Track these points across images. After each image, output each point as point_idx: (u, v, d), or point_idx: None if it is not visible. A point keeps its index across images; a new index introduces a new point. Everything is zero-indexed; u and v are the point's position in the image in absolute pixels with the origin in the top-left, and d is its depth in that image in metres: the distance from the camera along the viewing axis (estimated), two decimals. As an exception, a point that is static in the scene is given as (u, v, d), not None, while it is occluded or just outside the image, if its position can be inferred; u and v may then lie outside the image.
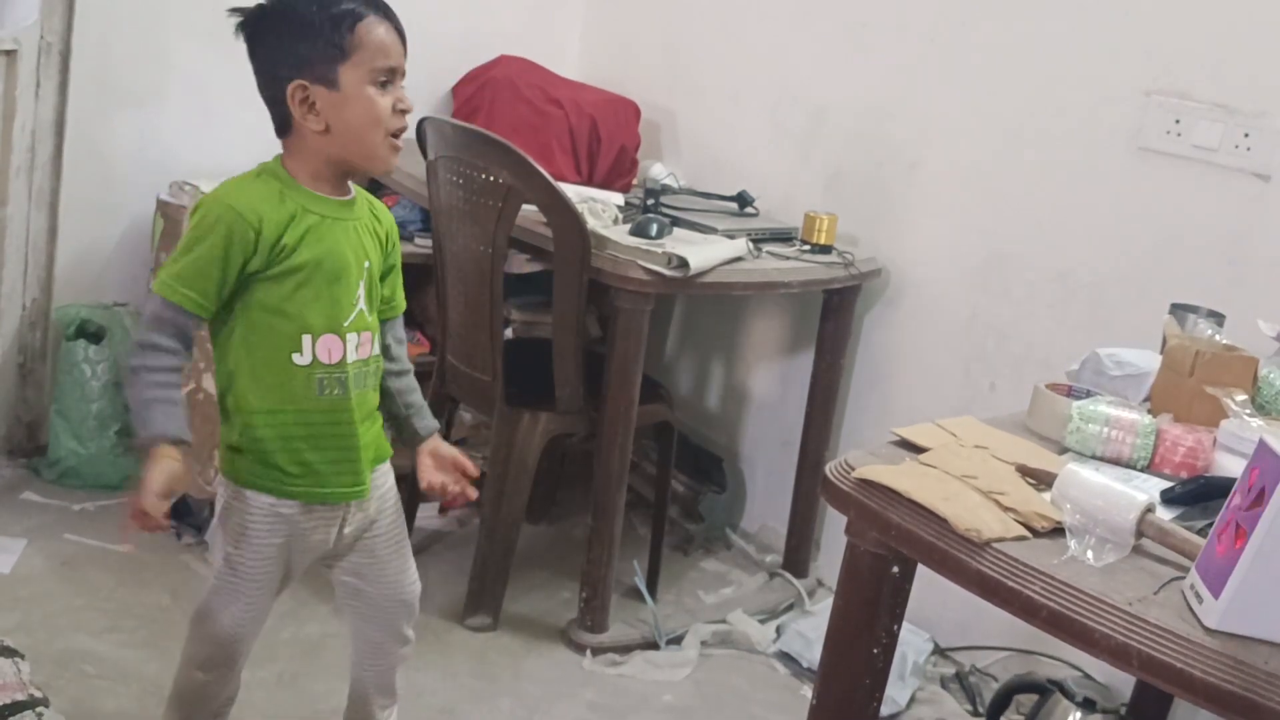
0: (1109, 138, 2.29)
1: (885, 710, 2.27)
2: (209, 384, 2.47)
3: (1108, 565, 1.14)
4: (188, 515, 2.57)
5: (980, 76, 2.49)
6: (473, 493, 1.80)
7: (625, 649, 2.41)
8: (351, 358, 1.61)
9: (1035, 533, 1.19)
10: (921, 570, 2.48)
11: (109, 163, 2.69)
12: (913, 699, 2.33)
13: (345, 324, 1.60)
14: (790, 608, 2.66)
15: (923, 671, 2.40)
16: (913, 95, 2.62)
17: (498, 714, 2.16)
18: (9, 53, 2.44)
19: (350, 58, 1.53)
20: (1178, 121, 2.20)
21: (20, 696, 1.18)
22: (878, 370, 2.71)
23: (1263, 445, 1.06)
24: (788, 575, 2.75)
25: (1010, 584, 1.11)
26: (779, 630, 2.54)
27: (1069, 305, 2.36)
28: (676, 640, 2.47)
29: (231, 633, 1.67)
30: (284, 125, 1.59)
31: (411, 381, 1.80)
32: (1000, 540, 1.16)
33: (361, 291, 1.62)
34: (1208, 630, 1.04)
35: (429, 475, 1.76)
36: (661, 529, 2.66)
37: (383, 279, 1.71)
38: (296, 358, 1.57)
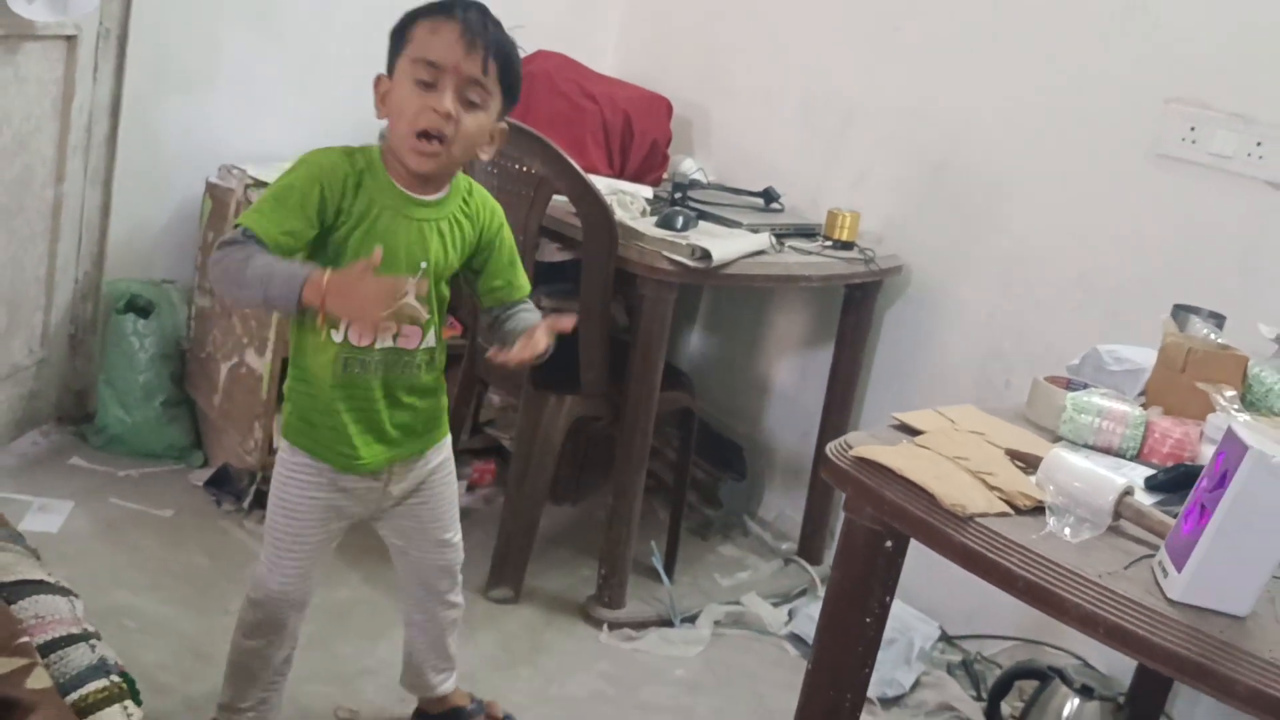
0: (1128, 144, 2.35)
1: (890, 692, 2.36)
2: (251, 358, 2.58)
3: (1083, 542, 1.21)
4: (226, 483, 2.68)
5: (1005, 83, 2.55)
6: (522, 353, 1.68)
7: (641, 625, 2.49)
8: (383, 344, 1.67)
9: (1018, 510, 1.26)
10: (932, 561, 2.56)
11: (161, 145, 2.80)
12: (917, 683, 2.39)
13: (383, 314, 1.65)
14: (803, 593, 2.73)
15: (929, 657, 2.47)
16: (940, 99, 2.68)
17: (516, 681, 2.25)
18: (70, 38, 2.55)
19: (405, 49, 1.60)
20: (1193, 129, 2.25)
21: (75, 630, 1.28)
22: (896, 365, 2.78)
23: (1229, 433, 1.13)
24: (802, 562, 2.83)
25: (991, 556, 1.19)
26: (791, 614, 2.62)
27: (1086, 307, 2.42)
28: (691, 619, 2.55)
29: (279, 593, 1.77)
30: None
31: (519, 319, 1.77)
32: (984, 516, 1.24)
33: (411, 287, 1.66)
34: (1170, 602, 1.11)
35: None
36: (680, 512, 2.74)
37: (478, 271, 1.77)
38: (334, 334, 1.65)
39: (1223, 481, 1.10)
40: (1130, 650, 1.08)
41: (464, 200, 1.73)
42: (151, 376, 2.77)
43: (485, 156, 1.67)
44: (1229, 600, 1.10)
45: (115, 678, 1.23)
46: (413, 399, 1.75)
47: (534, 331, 1.67)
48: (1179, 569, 1.12)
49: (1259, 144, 2.17)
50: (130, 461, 2.76)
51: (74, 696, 1.18)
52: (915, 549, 2.37)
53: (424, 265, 1.67)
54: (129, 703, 1.20)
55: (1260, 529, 1.08)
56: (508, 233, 1.80)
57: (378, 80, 1.65)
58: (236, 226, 1.57)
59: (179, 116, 2.80)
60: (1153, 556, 1.19)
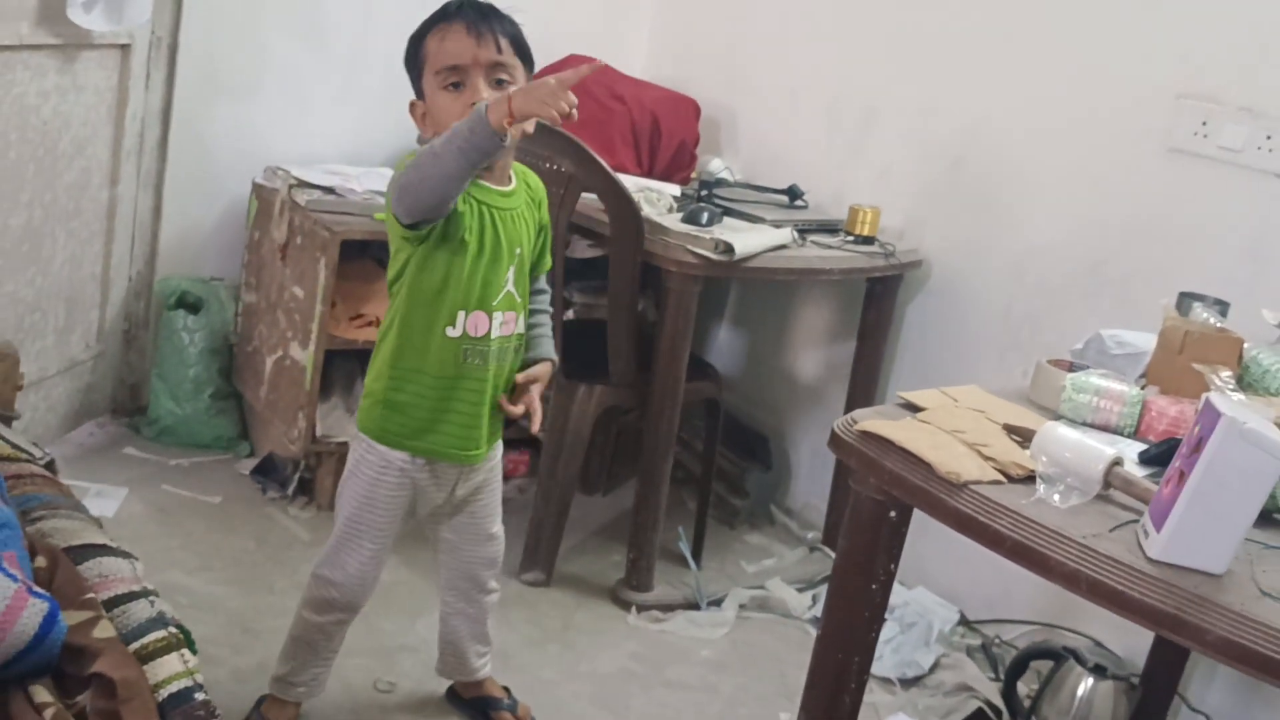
0: (1141, 138, 2.41)
1: (910, 673, 2.43)
2: (295, 351, 2.70)
3: (1072, 507, 1.28)
4: (272, 472, 2.80)
5: (1021, 80, 2.62)
6: (516, 411, 1.86)
7: (668, 608, 2.58)
8: (495, 334, 1.79)
9: (1011, 479, 1.34)
10: (954, 549, 2.63)
11: (209, 148, 2.93)
12: (936, 664, 2.46)
13: (494, 303, 1.77)
14: (827, 579, 2.79)
15: (948, 640, 2.53)
16: (958, 97, 2.75)
17: (546, 658, 2.35)
18: (124, 47, 2.68)
19: (425, 69, 1.74)
20: (1205, 124, 2.31)
21: (135, 588, 1.39)
22: (917, 357, 2.85)
23: (1207, 403, 1.20)
24: (826, 549, 2.90)
25: (981, 519, 1.26)
26: (815, 598, 2.69)
27: (1100, 297, 2.48)
28: (717, 603, 2.63)
29: (358, 577, 1.88)
30: None
31: (542, 317, 1.93)
32: (977, 483, 1.31)
33: (511, 275, 1.79)
34: (1150, 561, 1.19)
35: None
36: (707, 499, 2.83)
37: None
38: (449, 330, 1.75)
39: (1199, 447, 1.18)
40: (1110, 605, 1.15)
41: (527, 187, 1.86)
42: (201, 370, 2.90)
43: (530, 130, 1.72)
44: (1205, 558, 1.17)
45: (173, 629, 1.34)
46: (508, 385, 1.86)
47: (530, 398, 1.85)
48: (1158, 529, 1.19)
49: (1268, 137, 2.22)
50: (180, 451, 2.88)
51: (135, 645, 1.28)
52: (938, 539, 2.45)
53: (518, 251, 1.79)
54: (185, 651, 1.30)
55: (1233, 490, 1.15)
56: (548, 214, 1.93)
57: (412, 106, 1.78)
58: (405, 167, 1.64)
59: (227, 121, 2.93)
60: (1137, 521, 1.27)
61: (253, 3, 2.90)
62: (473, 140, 1.56)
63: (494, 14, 1.75)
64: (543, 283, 1.96)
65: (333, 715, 2.06)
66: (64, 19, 2.38)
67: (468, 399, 1.80)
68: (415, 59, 1.76)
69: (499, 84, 1.72)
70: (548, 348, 1.93)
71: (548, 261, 1.94)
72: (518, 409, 1.85)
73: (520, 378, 1.87)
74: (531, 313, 1.92)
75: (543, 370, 1.90)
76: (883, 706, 2.34)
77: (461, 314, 1.75)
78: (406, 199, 1.64)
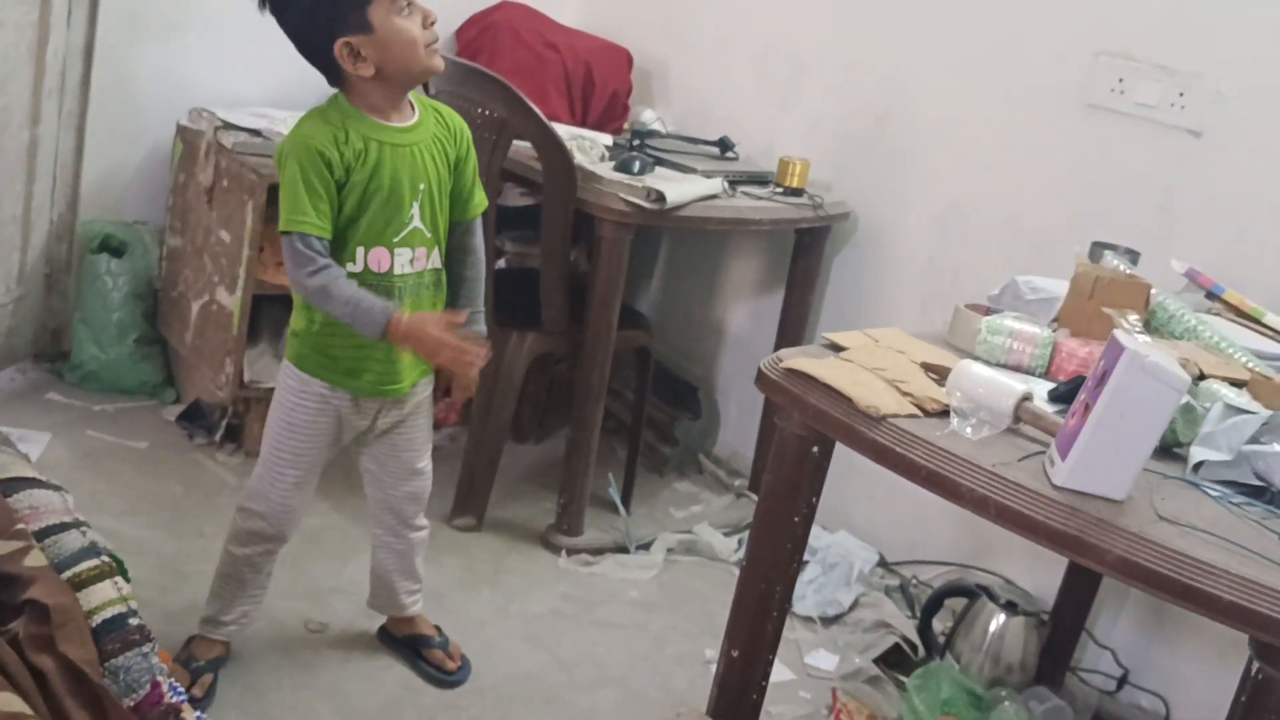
0: (1059, 95, 2.48)
1: (830, 611, 2.51)
2: (222, 296, 2.68)
3: (983, 439, 1.34)
4: (199, 418, 2.78)
5: (944, 37, 2.68)
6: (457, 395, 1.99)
7: (597, 551, 2.63)
8: (400, 270, 1.80)
9: (927, 413, 1.40)
10: (875, 494, 2.70)
11: (133, 89, 2.87)
12: (856, 603, 2.54)
13: (395, 240, 1.79)
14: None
15: (868, 580, 2.62)
16: (884, 52, 2.80)
17: (479, 600, 2.38)
18: (45, -18, 2.62)
19: (375, 1, 1.70)
20: (1121, 80, 2.38)
21: (66, 519, 1.39)
22: (844, 307, 2.91)
23: (1112, 339, 1.26)
24: (753, 496, 2.97)
25: (898, 450, 1.32)
26: (740, 543, 2.76)
27: (1017, 248, 2.55)
28: (645, 546, 2.69)
29: (282, 505, 1.90)
30: (336, 78, 1.76)
31: (474, 289, 1.94)
32: (895, 416, 1.37)
33: (416, 211, 1.80)
34: (1055, 487, 1.25)
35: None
36: (637, 447, 2.87)
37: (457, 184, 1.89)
38: (350, 266, 1.77)
39: (1104, 380, 1.24)
40: (1017, 528, 1.22)
41: (438, 120, 1.86)
42: (125, 315, 2.86)
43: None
44: (1107, 485, 1.24)
45: (105, 557, 1.35)
46: None
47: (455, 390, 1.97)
48: (1064, 458, 1.25)
49: (1181, 94, 2.30)
50: (105, 397, 2.85)
51: (68, 574, 1.29)
52: (860, 484, 2.51)
53: (422, 187, 1.80)
54: (119, 579, 1.31)
55: (1134, 421, 1.22)
56: (473, 151, 1.92)
57: (345, 46, 1.70)
58: (286, 234, 1.70)
59: (151, 61, 2.87)
60: (1044, 452, 1.33)
61: (179, -60, 2.85)
62: (360, 326, 1.73)
63: None
64: (478, 231, 1.95)
65: (264, 654, 2.08)
66: (-19, -49, 2.32)
67: None
68: None
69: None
70: (478, 323, 1.94)
71: (480, 199, 1.93)
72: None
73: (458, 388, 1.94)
74: (464, 280, 1.92)
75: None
76: (805, 643, 2.42)
77: (360, 250, 1.77)
78: (303, 291, 1.76)
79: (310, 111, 1.78)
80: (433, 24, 1.76)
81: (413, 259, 1.81)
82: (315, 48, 1.74)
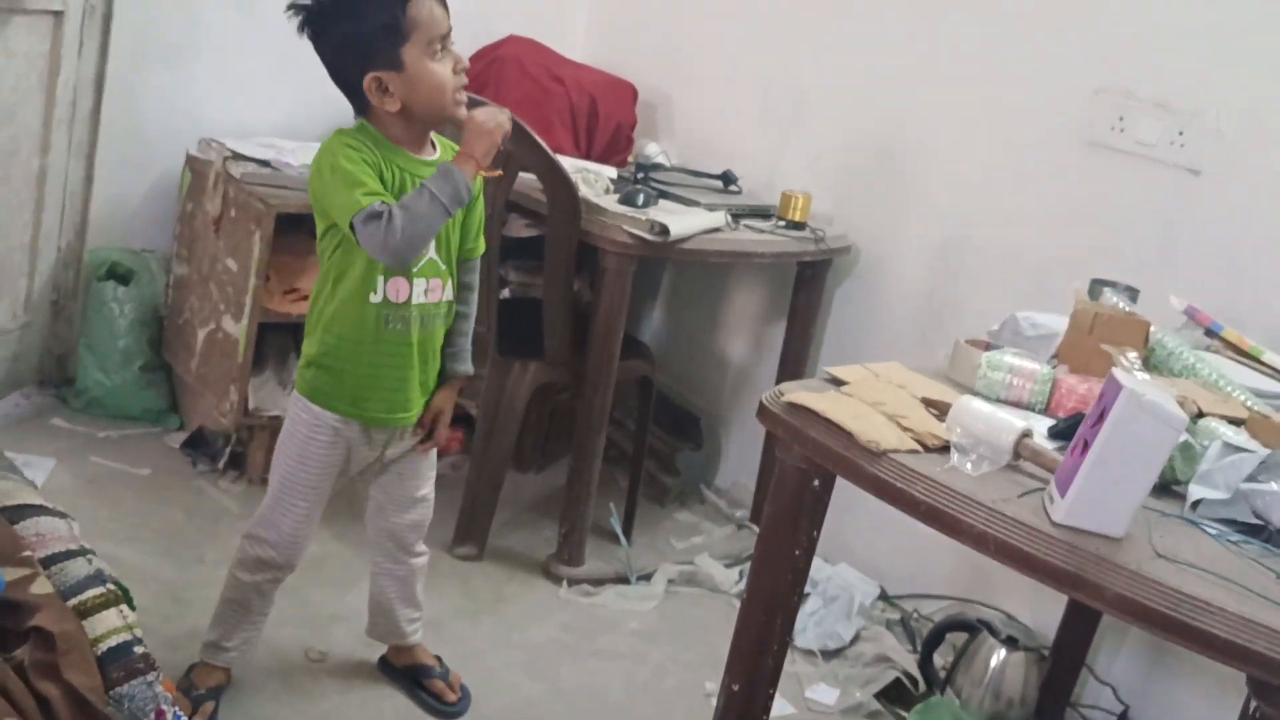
0: (1060, 132, 2.50)
1: (831, 645, 2.51)
2: (228, 324, 2.70)
3: (983, 475, 1.35)
4: (202, 445, 2.79)
5: (946, 73, 2.71)
6: (430, 442, 2.00)
7: (598, 582, 2.63)
8: (418, 300, 1.83)
9: (927, 448, 1.41)
10: (875, 526, 2.70)
11: (143, 119, 2.90)
12: (857, 636, 2.54)
13: (414, 269, 1.81)
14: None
15: (868, 614, 2.61)
16: (886, 88, 2.83)
17: (478, 629, 2.39)
18: (57, 14, 2.65)
19: (410, 39, 1.71)
20: (1121, 118, 2.41)
21: (73, 547, 1.40)
22: (844, 340, 2.93)
23: (1110, 378, 1.28)
24: (754, 527, 2.97)
25: (898, 485, 1.33)
26: (742, 574, 2.76)
27: (1016, 282, 2.57)
28: (646, 577, 2.69)
29: (291, 535, 1.91)
30: (362, 108, 1.78)
31: (464, 325, 1.98)
32: (895, 451, 1.38)
33: (433, 243, 1.81)
34: (1055, 524, 1.26)
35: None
36: (638, 477, 2.88)
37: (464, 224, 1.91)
38: (371, 296, 1.79)
39: (1103, 418, 1.25)
40: (1016, 564, 1.23)
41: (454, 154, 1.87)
42: (130, 342, 2.87)
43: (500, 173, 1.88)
44: (1106, 522, 1.25)
45: (111, 585, 1.36)
46: (438, 352, 1.92)
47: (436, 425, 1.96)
48: (1063, 495, 1.26)
49: (1180, 133, 2.33)
50: (109, 423, 2.86)
51: (74, 601, 1.30)
52: (861, 516, 2.51)
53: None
54: (124, 607, 1.32)
55: (1132, 458, 1.23)
56: (483, 196, 1.96)
57: (374, 80, 1.72)
58: (358, 213, 1.67)
59: (161, 91, 2.90)
60: (1044, 489, 1.34)
61: (189, -29, 2.88)
62: (458, 197, 1.71)
63: None
64: (474, 273, 1.98)
65: (263, 683, 2.08)
66: (-4, -17, 2.36)
67: (393, 364, 1.85)
68: (396, 31, 1.70)
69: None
70: (465, 362, 1.98)
71: (481, 245, 1.97)
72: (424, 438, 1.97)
73: (428, 413, 1.94)
74: (459, 315, 1.96)
75: (446, 401, 1.97)
76: (805, 676, 2.42)
77: (381, 279, 1.79)
78: (398, 257, 1.70)
79: (342, 129, 1.80)
80: (464, 69, 1.77)
81: (428, 289, 1.84)
82: (346, 77, 1.76)
